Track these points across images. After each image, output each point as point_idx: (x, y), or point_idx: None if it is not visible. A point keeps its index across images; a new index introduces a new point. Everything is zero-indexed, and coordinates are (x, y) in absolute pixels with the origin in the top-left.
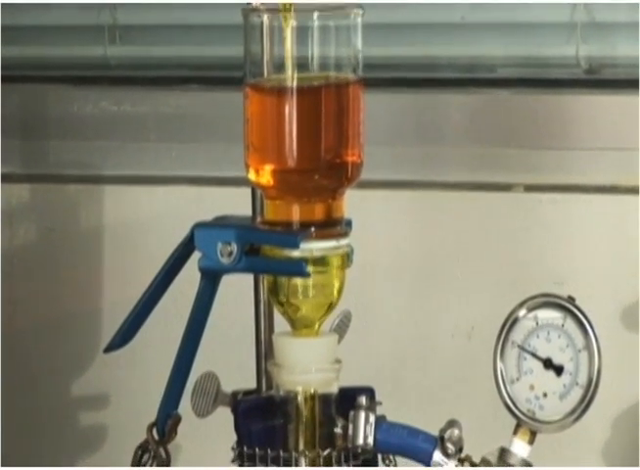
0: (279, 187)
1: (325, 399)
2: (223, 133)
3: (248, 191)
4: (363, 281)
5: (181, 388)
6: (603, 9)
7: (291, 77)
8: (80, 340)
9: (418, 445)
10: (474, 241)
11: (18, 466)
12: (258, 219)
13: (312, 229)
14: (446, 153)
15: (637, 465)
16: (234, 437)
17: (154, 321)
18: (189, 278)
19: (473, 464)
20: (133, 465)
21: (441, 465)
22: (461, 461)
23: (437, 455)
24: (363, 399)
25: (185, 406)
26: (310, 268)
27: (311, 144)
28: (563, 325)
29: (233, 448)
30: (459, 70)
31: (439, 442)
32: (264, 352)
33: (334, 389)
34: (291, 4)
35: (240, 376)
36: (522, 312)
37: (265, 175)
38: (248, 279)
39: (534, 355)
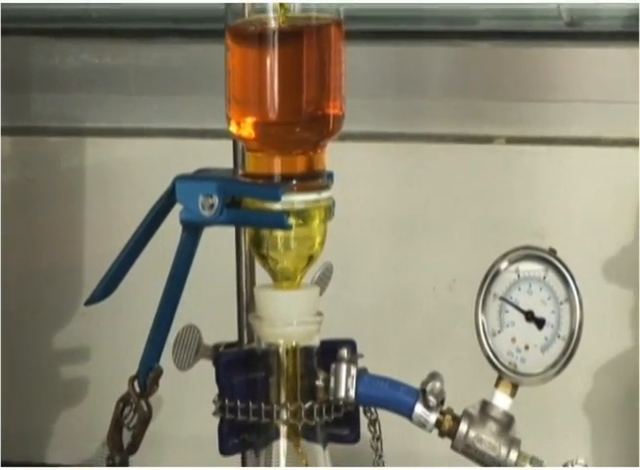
0: (260, 139)
1: (306, 351)
2: (204, 86)
3: (229, 143)
4: (345, 234)
5: (162, 341)
6: None
7: (272, 19)
8: (61, 293)
9: (399, 397)
10: (455, 193)
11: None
12: (240, 172)
13: (294, 182)
14: (428, 105)
15: (637, 465)
16: (215, 389)
17: (135, 274)
18: (170, 231)
19: (454, 417)
20: (115, 418)
21: (423, 417)
22: (442, 414)
23: (419, 408)
24: (345, 352)
25: (166, 359)
26: (292, 221)
27: (293, 96)
28: (544, 278)
29: (214, 401)
30: (441, 23)
31: (421, 394)
32: (246, 305)
33: (315, 341)
34: None
35: (221, 329)
36: (503, 265)
37: (247, 128)
38: (229, 232)
39: (516, 308)
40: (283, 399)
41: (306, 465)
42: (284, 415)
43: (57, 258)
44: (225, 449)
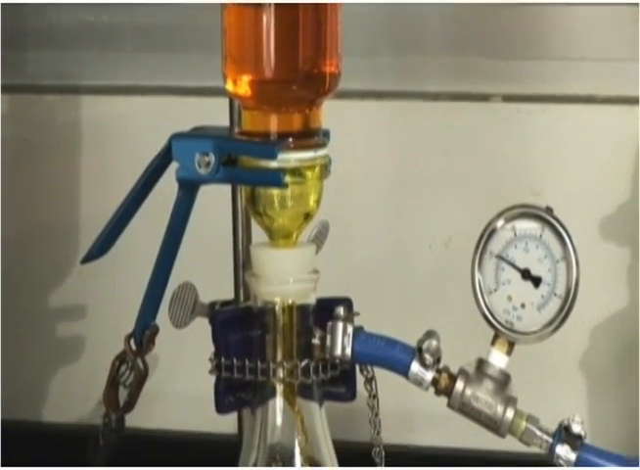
0: (256, 97)
1: (303, 309)
2: (201, 43)
3: (225, 101)
4: (341, 192)
5: (159, 299)
6: None
7: None
8: (58, 251)
9: (396, 355)
10: (451, 151)
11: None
12: (236, 130)
13: (290, 140)
14: (424, 63)
15: (637, 466)
16: (211, 347)
17: (132, 232)
18: (166, 189)
19: (450, 375)
20: (111, 376)
21: (419, 376)
22: (439, 372)
23: (415, 366)
24: (341, 310)
25: (163, 317)
26: (288, 179)
27: (289, 54)
28: (541, 236)
29: (210, 359)
30: None
31: (417, 352)
32: (242, 263)
33: (311, 300)
34: None
35: (217, 287)
36: (499, 223)
37: (243, 86)
38: (225, 190)
39: (512, 266)
40: (279, 357)
41: (302, 423)
42: (280, 373)
43: (53, 216)
44: (221, 408)
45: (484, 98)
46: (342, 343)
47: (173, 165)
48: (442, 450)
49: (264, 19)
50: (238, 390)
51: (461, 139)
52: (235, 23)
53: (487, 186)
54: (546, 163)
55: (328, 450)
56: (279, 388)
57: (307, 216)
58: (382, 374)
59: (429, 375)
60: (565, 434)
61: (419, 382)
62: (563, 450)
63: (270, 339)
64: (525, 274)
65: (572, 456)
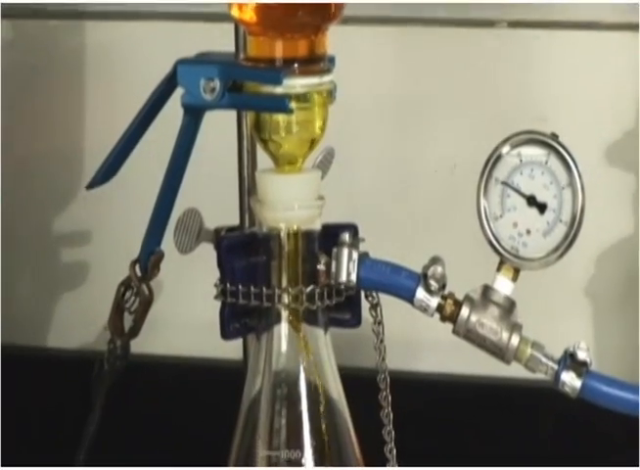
0: (262, 23)
1: (308, 235)
2: None
3: (231, 27)
4: (346, 118)
5: (164, 225)
6: None
7: None
8: (62, 177)
9: (401, 281)
10: (457, 77)
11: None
12: (241, 56)
13: (295, 66)
14: None
15: (637, 465)
16: (217, 273)
17: (136, 158)
18: (172, 115)
19: (456, 301)
20: (116, 302)
21: (424, 302)
22: (444, 298)
23: (420, 292)
24: (346, 236)
25: (168, 243)
26: (293, 105)
27: None
28: (546, 162)
29: (216, 285)
30: None
31: (422, 278)
32: (247, 189)
33: (316, 226)
34: None
35: (222, 213)
36: (505, 149)
37: (248, 11)
38: (230, 116)
39: (518, 192)
40: (284, 283)
41: (307, 349)
42: (285, 299)
43: (58, 142)
44: (226, 334)
45: (490, 24)
46: (347, 269)
47: (178, 91)
48: (447, 377)
49: None
50: (243, 316)
51: (466, 65)
52: None
53: (493, 112)
54: (552, 89)
55: (333, 376)
56: (284, 314)
57: (313, 142)
58: (387, 300)
59: (434, 301)
60: (570, 361)
61: (424, 308)
62: (568, 377)
63: (275, 265)
64: (531, 201)
65: (578, 383)
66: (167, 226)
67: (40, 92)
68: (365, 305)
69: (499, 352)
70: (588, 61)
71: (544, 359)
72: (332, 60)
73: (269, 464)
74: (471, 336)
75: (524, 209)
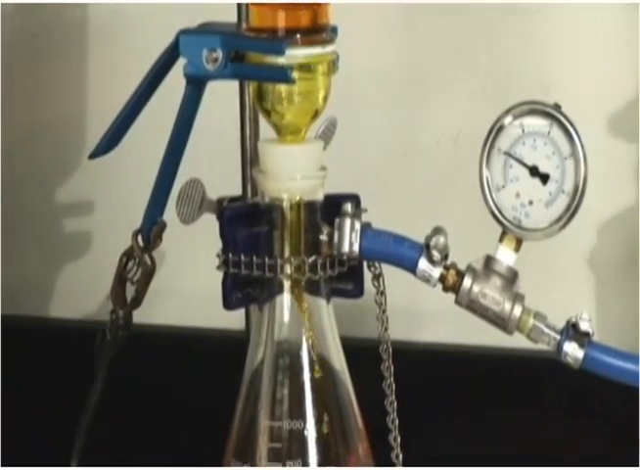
0: None
1: (310, 206)
2: None
3: None
4: (349, 88)
5: (166, 195)
6: None
7: None
8: (65, 147)
9: (403, 252)
10: (459, 47)
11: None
12: (244, 26)
13: (298, 36)
14: None
15: (637, 465)
16: (219, 244)
17: (139, 128)
18: (174, 85)
19: (458, 272)
20: (118, 272)
21: (427, 272)
22: (446, 269)
23: (423, 263)
24: (348, 207)
25: (170, 213)
26: (295, 75)
27: None
28: (549, 133)
29: (218, 255)
30: None
31: (425, 249)
32: (249, 159)
33: (319, 196)
34: None
35: (225, 183)
36: (507, 120)
37: None
38: (233, 86)
39: (520, 163)
40: (287, 253)
41: (309, 319)
42: (287, 269)
43: (61, 111)
44: (229, 304)
45: None
46: (349, 239)
47: (181, 62)
48: (449, 347)
49: None
50: (245, 286)
51: (469, 35)
52: None
53: (495, 82)
54: (555, 59)
55: (335, 347)
56: (286, 284)
57: (315, 113)
58: (389, 271)
59: (436, 272)
60: (572, 331)
61: (426, 278)
62: (570, 348)
63: (278, 235)
64: (533, 171)
65: (580, 354)
66: (170, 196)
67: (42, 61)
68: (367, 275)
69: (501, 322)
70: (591, 30)
71: (546, 330)
72: (334, 30)
73: (271, 434)
74: (473, 306)
75: (526, 179)
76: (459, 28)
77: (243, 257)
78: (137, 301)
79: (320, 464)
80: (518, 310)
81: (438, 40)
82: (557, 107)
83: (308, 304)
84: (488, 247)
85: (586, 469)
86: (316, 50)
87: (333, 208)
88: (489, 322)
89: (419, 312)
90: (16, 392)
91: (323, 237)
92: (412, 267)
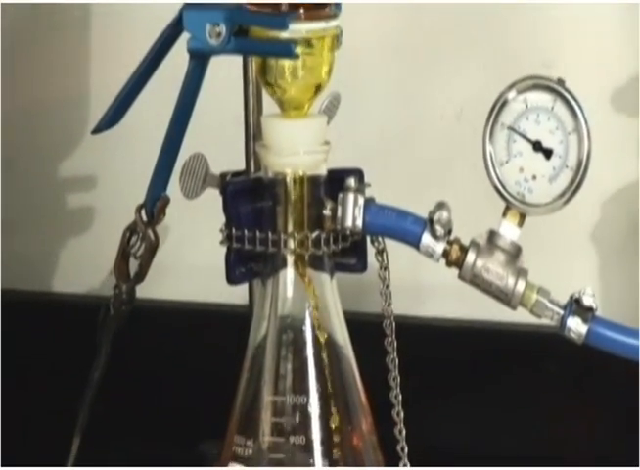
0: None
1: (313, 181)
2: None
3: None
4: (352, 63)
5: (169, 169)
6: None
7: None
8: (68, 121)
9: (407, 227)
10: (462, 22)
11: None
12: (247, 1)
13: (301, 10)
14: None
15: (637, 465)
16: (222, 218)
17: (142, 103)
18: (178, 60)
19: (461, 247)
20: (121, 247)
21: (430, 247)
22: (450, 243)
23: (426, 238)
24: (352, 181)
25: (174, 188)
26: (299, 50)
27: None
28: (552, 108)
29: (221, 230)
30: None
31: (428, 224)
32: (253, 134)
33: (322, 171)
34: None
35: (228, 158)
36: (511, 95)
37: None
38: (236, 61)
39: (524, 138)
40: (290, 228)
41: (313, 294)
42: (291, 244)
43: (64, 86)
44: (232, 278)
45: None
46: (352, 214)
47: (184, 36)
48: (453, 322)
49: None
50: (249, 261)
51: (472, 9)
52: None
53: (499, 57)
54: (558, 34)
55: (338, 322)
56: (290, 259)
57: (318, 88)
58: (393, 245)
59: (440, 246)
60: (576, 306)
61: (430, 253)
62: (574, 323)
63: (281, 210)
64: (537, 146)
65: (584, 329)
66: (173, 171)
67: (45, 35)
68: (371, 250)
69: (505, 297)
70: (594, 6)
71: (550, 305)
72: (338, 5)
73: (275, 409)
74: (477, 281)
75: (529, 154)
76: (462, 4)
77: (246, 231)
78: (140, 275)
79: (323, 439)
80: (521, 285)
81: (442, 16)
82: (560, 82)
83: (312, 279)
84: (492, 222)
85: (586, 469)
86: (320, 25)
87: (336, 182)
88: (493, 297)
89: (422, 287)
90: (17, 368)
91: (326, 212)
92: (415, 242)
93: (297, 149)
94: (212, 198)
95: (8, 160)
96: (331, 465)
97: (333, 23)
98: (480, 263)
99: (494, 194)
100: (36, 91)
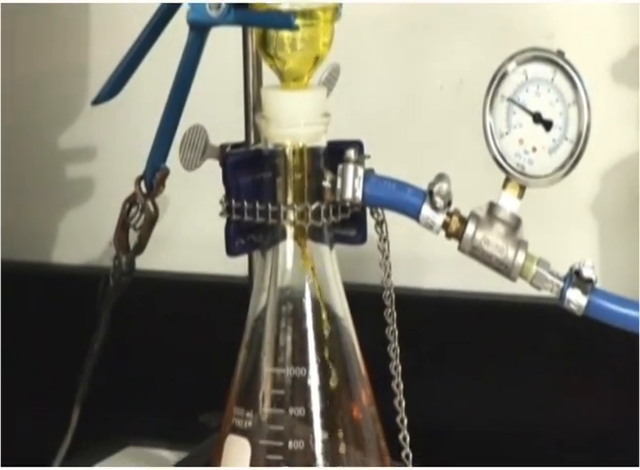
0: None
1: (313, 152)
2: None
3: None
4: (351, 35)
5: (169, 141)
6: None
7: None
8: (68, 92)
9: (407, 198)
10: None
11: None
12: None
13: None
14: None
15: (637, 465)
16: (222, 190)
17: (142, 74)
18: (177, 31)
19: (461, 218)
20: (121, 218)
21: (430, 219)
22: (449, 215)
23: (426, 209)
24: (351, 153)
25: (173, 160)
26: (298, 21)
27: None
28: (552, 79)
29: (221, 202)
30: None
31: (428, 196)
32: (253, 106)
33: (322, 142)
34: None
35: (228, 129)
36: (511, 66)
37: None
38: (236, 32)
39: (524, 109)
40: (290, 199)
41: (312, 265)
42: (290, 216)
43: (63, 57)
44: (232, 250)
45: None
46: (352, 185)
47: (184, 8)
48: (452, 293)
49: None
50: (248, 232)
51: None
52: None
53: (499, 29)
54: (558, 5)
55: (338, 293)
56: (289, 230)
57: (318, 59)
58: (392, 217)
59: (439, 218)
60: (576, 278)
61: (430, 225)
62: (573, 295)
63: (281, 181)
64: (537, 118)
65: (583, 300)
66: (173, 143)
67: (45, 6)
68: (370, 221)
69: (505, 269)
70: None
71: (550, 277)
72: None
73: (274, 381)
74: (476, 253)
75: (529, 126)
76: None
77: (246, 203)
78: (140, 247)
79: (323, 411)
80: (521, 257)
81: None
82: (560, 54)
83: (311, 250)
84: (492, 194)
85: (586, 469)
86: None
87: (336, 154)
88: (492, 269)
89: (422, 259)
90: (17, 339)
91: (326, 183)
92: (415, 214)
93: (296, 120)
94: (212, 169)
95: (8, 130)
96: (330, 438)
97: None
98: (479, 235)
99: (494, 166)
100: (36, 61)
